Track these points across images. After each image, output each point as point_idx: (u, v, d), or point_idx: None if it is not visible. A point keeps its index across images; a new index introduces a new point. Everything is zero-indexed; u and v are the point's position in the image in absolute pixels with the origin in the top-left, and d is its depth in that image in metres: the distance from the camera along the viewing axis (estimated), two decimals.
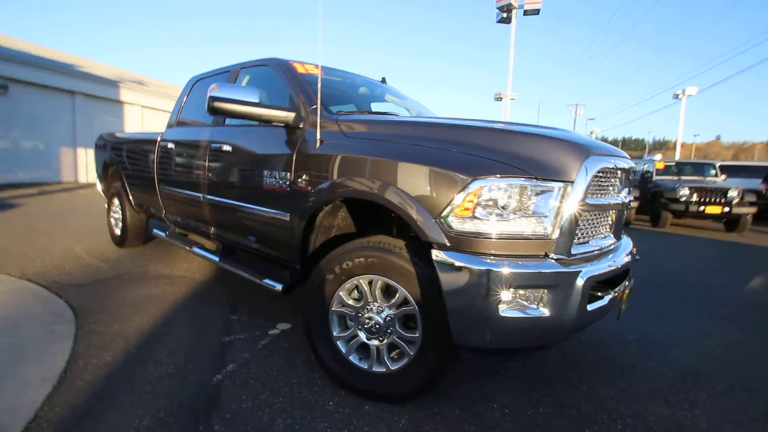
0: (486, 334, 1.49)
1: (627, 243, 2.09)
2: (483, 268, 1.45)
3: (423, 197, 1.56)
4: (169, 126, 3.47)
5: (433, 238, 1.53)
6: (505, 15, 13.64)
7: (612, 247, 1.87)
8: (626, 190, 1.93)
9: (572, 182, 1.51)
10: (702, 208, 8.09)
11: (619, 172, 1.84)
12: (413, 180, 1.60)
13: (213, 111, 2.11)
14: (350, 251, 1.83)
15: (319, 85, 2.04)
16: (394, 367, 1.79)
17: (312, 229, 2.12)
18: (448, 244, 1.51)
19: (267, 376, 2.02)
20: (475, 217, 1.49)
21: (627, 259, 1.87)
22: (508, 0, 13.06)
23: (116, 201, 4.64)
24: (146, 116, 18.09)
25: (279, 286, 2.25)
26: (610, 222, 1.86)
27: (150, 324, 2.57)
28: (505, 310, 1.45)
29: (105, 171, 4.83)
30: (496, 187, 1.47)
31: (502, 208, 1.48)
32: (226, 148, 2.62)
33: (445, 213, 1.52)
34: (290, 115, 2.19)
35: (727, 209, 8.03)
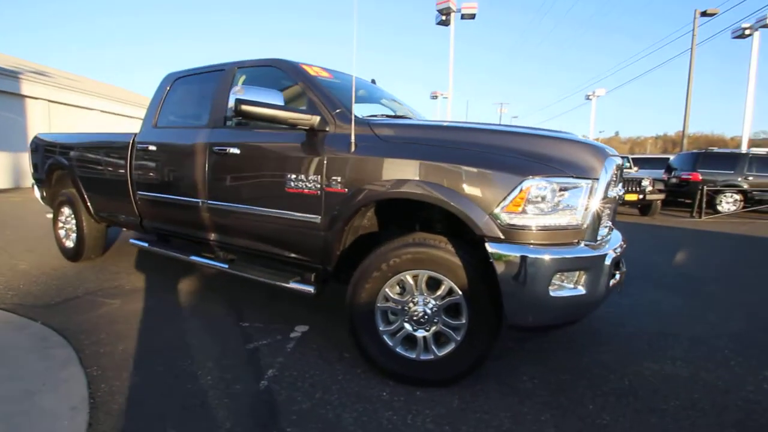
0: (538, 313, 1.71)
1: (616, 231, 2.45)
2: (534, 256, 1.66)
3: (476, 196, 1.73)
4: (147, 127, 3.23)
5: (487, 232, 1.71)
6: (444, 18, 14.30)
7: (610, 233, 2.20)
8: (620, 184, 2.27)
9: (597, 179, 1.78)
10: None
11: (618, 169, 2.17)
12: (466, 181, 1.76)
13: (240, 114, 2.07)
14: (396, 249, 1.93)
15: (353, 91, 2.11)
16: (441, 353, 1.95)
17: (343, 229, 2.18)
18: (501, 237, 1.70)
19: (311, 377, 2.05)
20: (524, 212, 1.69)
21: (623, 243, 2.21)
22: (447, 3, 13.72)
23: (66, 210, 4.17)
24: (54, 113, 15.97)
25: (310, 289, 2.27)
26: (610, 212, 2.19)
27: (159, 339, 2.43)
28: (553, 291, 1.68)
29: (49, 176, 4.30)
30: (542, 186, 1.69)
31: (546, 203, 1.70)
32: (233, 150, 2.55)
33: (497, 209, 1.70)
34: (315, 119, 2.22)
35: (641, 196, 9.33)
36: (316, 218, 2.20)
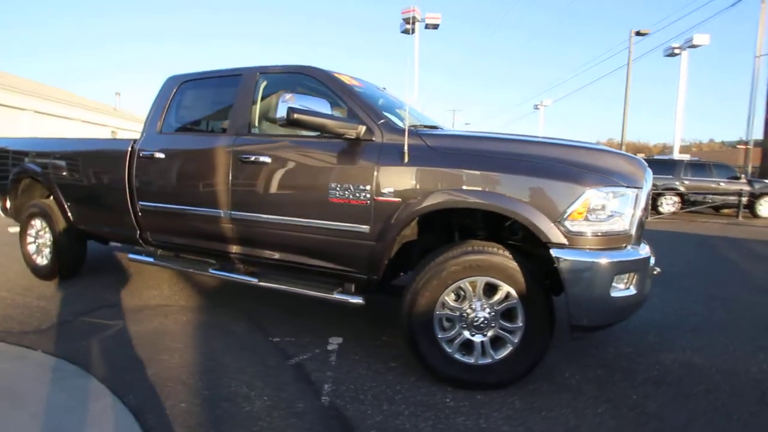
0: (600, 313, 1.84)
1: None
2: (599, 260, 1.78)
3: (542, 205, 1.82)
4: (150, 133, 3.01)
5: (553, 239, 1.81)
6: (408, 26, 14.61)
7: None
8: None
9: (641, 188, 1.94)
10: None
11: None
12: (531, 191, 1.84)
13: (292, 122, 2.02)
14: (456, 257, 1.98)
15: (408, 102, 2.13)
16: (498, 356, 2.01)
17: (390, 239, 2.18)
18: (566, 243, 1.80)
19: (369, 389, 2.03)
20: (585, 219, 1.81)
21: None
22: (412, 13, 14.03)
23: (38, 222, 3.76)
24: None
25: (359, 300, 2.25)
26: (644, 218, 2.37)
27: (188, 361, 2.28)
28: (615, 291, 1.81)
29: (15, 185, 3.85)
30: (600, 195, 1.81)
31: (603, 211, 1.83)
32: (263, 159, 2.46)
33: (563, 218, 1.81)
34: (361, 128, 2.21)
35: None
36: (365, 228, 2.18)
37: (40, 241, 3.78)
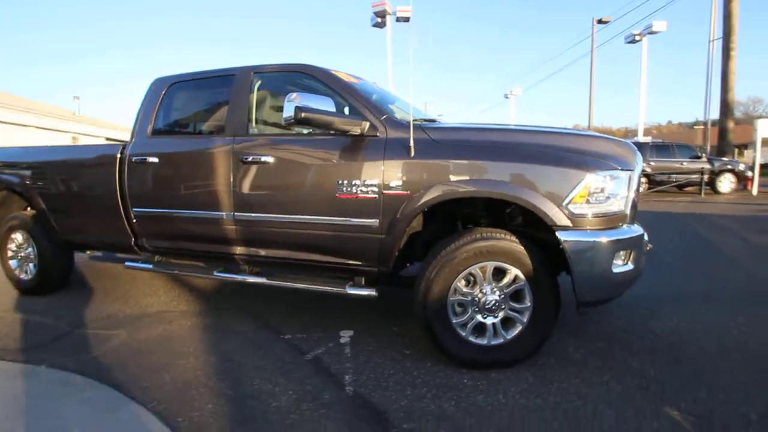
0: (603, 289, 1.97)
1: None
2: (600, 239, 1.91)
3: (546, 191, 1.93)
4: (141, 137, 2.94)
5: (558, 222, 1.92)
6: (379, 20, 14.57)
7: None
8: None
9: (633, 170, 2.08)
10: None
11: None
12: (535, 178, 1.94)
13: (300, 121, 2.04)
14: (466, 244, 2.06)
15: (411, 98, 2.18)
16: (509, 336, 2.12)
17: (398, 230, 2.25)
18: (570, 225, 1.92)
19: (390, 376, 2.10)
20: (587, 202, 1.93)
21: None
22: (383, 6, 13.99)
23: (19, 236, 3.60)
24: None
25: (372, 292, 2.31)
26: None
27: (203, 364, 2.28)
28: (615, 267, 1.95)
29: None
30: (599, 179, 1.94)
31: (602, 193, 1.96)
32: (266, 159, 2.46)
33: (566, 201, 1.92)
34: (364, 125, 2.25)
35: None
36: (374, 222, 2.24)
37: (22, 255, 3.62)
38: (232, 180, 2.56)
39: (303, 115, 2.03)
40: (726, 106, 14.37)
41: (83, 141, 24.15)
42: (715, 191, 12.35)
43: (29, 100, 23.33)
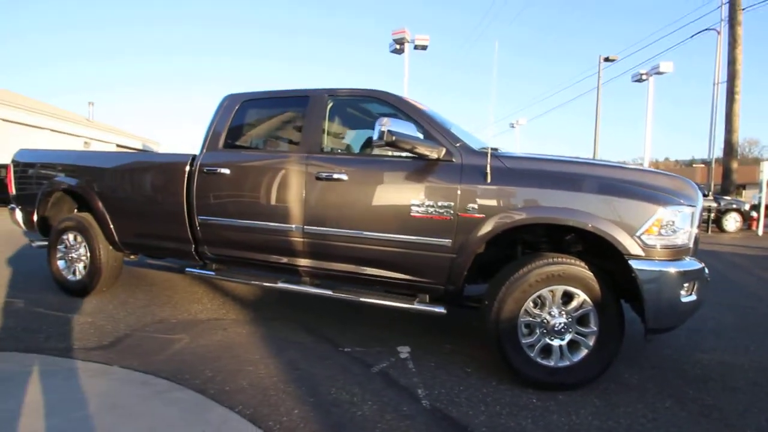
0: (672, 316, 2.08)
1: None
2: (669, 269, 2.03)
3: (621, 222, 2.06)
4: (209, 149, 3.08)
5: (633, 251, 2.04)
6: (398, 47, 15.10)
7: None
8: None
9: (696, 206, 2.22)
10: None
11: None
12: (610, 209, 2.08)
13: (388, 144, 2.19)
14: (538, 268, 2.17)
15: (490, 133, 2.33)
16: (575, 359, 2.21)
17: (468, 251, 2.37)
18: (642, 255, 2.05)
19: (460, 392, 2.17)
20: (658, 234, 2.06)
21: None
22: (402, 34, 14.54)
23: (71, 237, 3.69)
24: None
25: (441, 309, 2.40)
26: None
27: (278, 372, 2.34)
28: (683, 297, 2.06)
29: (45, 198, 3.76)
30: (669, 213, 2.08)
31: (671, 226, 2.09)
32: (340, 176, 2.60)
33: (639, 232, 2.05)
34: (441, 150, 2.40)
35: None
36: (447, 242, 2.36)
37: (72, 255, 3.70)
38: (304, 194, 2.69)
39: (393, 138, 2.18)
40: (730, 147, 14.80)
41: (95, 146, 24.40)
42: (721, 229, 12.57)
43: (42, 102, 23.64)
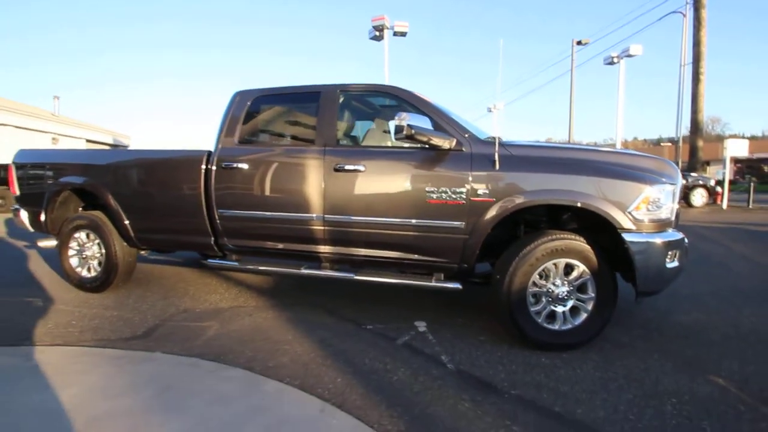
0: (659, 281, 2.40)
1: None
2: (658, 240, 2.35)
3: (615, 200, 2.35)
4: (225, 144, 3.20)
5: (625, 225, 2.34)
6: (377, 33, 15.09)
7: None
8: None
9: (676, 184, 2.54)
10: None
11: None
12: (605, 189, 2.37)
13: (408, 137, 2.40)
14: (543, 243, 2.45)
15: (496, 119, 2.56)
16: (576, 323, 2.52)
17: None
18: (633, 229, 2.35)
19: (479, 357, 2.45)
20: (646, 210, 2.37)
21: None
22: (381, 21, 14.53)
23: (84, 235, 3.76)
24: None
25: (457, 285, 2.66)
26: None
27: (312, 349, 2.55)
28: (668, 263, 2.39)
29: (53, 198, 3.79)
30: (655, 191, 2.38)
31: (656, 203, 2.40)
32: (358, 167, 2.79)
33: (630, 209, 2.35)
34: (453, 141, 2.63)
35: None
36: (461, 224, 2.60)
37: (87, 253, 3.77)
38: (323, 185, 2.87)
39: (412, 132, 2.39)
40: (696, 126, 15.63)
41: (63, 142, 23.38)
42: (689, 204, 13.39)
43: (4, 98, 22.38)
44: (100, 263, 3.75)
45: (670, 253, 2.43)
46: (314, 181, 2.90)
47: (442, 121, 2.74)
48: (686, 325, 3.00)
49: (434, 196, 2.63)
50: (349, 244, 2.93)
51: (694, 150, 15.61)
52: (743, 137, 41.80)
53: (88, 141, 26.11)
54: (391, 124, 3.06)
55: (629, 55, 16.84)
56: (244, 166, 3.08)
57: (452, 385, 2.13)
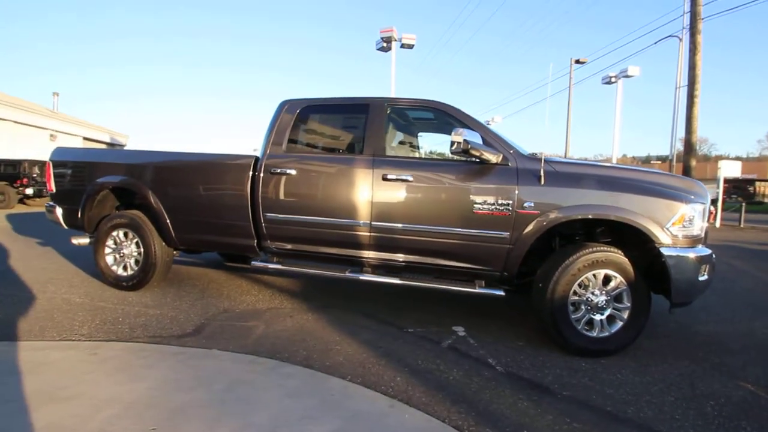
0: (692, 293, 2.58)
1: None
2: (692, 254, 2.53)
3: (654, 217, 2.53)
4: (273, 151, 3.32)
5: (664, 241, 2.52)
6: (385, 44, 15.40)
7: None
8: None
9: (706, 204, 2.74)
10: None
11: None
12: (645, 206, 2.55)
13: (464, 151, 2.56)
14: (584, 255, 2.62)
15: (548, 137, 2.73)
16: (612, 330, 2.68)
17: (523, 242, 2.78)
18: (671, 243, 2.53)
19: (523, 360, 2.59)
20: (681, 227, 2.55)
21: None
22: (390, 33, 14.84)
23: (122, 234, 3.83)
24: None
25: (500, 292, 2.81)
26: None
27: (363, 349, 2.67)
28: (700, 277, 2.57)
29: (92, 197, 3.85)
30: (690, 209, 2.57)
31: (691, 220, 2.59)
32: (406, 177, 2.94)
33: (668, 225, 2.53)
34: (500, 156, 2.80)
35: None
36: (505, 234, 2.76)
37: (125, 252, 3.84)
38: (371, 193, 3.01)
39: (468, 146, 2.55)
40: (690, 146, 16.15)
41: (61, 138, 23.17)
42: None
43: (3, 93, 22.15)
44: (137, 262, 3.82)
45: (702, 267, 2.61)
46: (363, 189, 3.03)
47: (488, 137, 2.91)
48: (706, 335, 3.19)
49: (481, 207, 2.78)
50: (393, 250, 3.06)
51: (687, 170, 16.07)
52: (729, 158, 43.07)
53: (85, 139, 25.98)
54: (431, 138, 3.22)
55: (627, 76, 17.43)
56: (292, 171, 3.20)
57: (507, 385, 2.26)
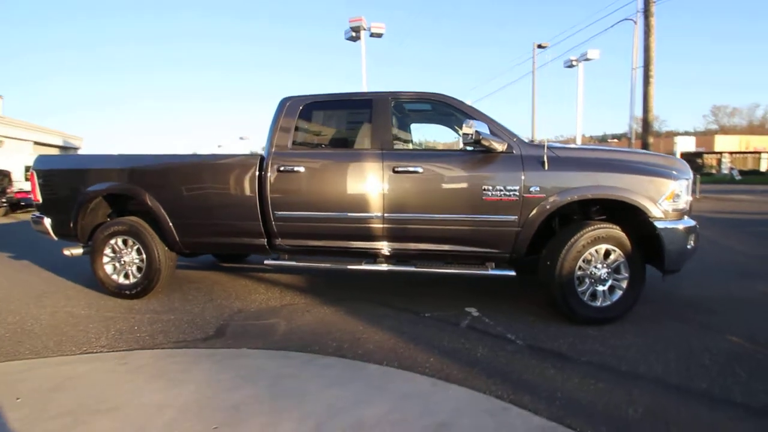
0: (682, 261, 2.87)
1: None
2: (683, 225, 2.81)
3: (648, 194, 2.78)
4: (278, 149, 3.33)
5: (657, 215, 2.78)
6: (354, 34, 15.25)
7: None
8: None
9: (690, 179, 3.02)
10: None
11: None
12: (640, 185, 2.79)
13: (476, 141, 2.70)
14: (588, 232, 2.84)
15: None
16: (614, 299, 2.94)
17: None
18: (663, 217, 2.79)
19: (539, 334, 2.80)
20: (672, 201, 2.82)
21: None
22: (359, 22, 14.70)
23: (120, 241, 3.73)
24: None
25: (512, 273, 3.00)
26: None
27: (391, 336, 2.79)
28: (688, 245, 2.85)
29: (84, 205, 3.71)
30: (678, 185, 2.84)
31: (679, 195, 2.86)
32: (416, 169, 3.05)
33: (660, 201, 2.79)
34: (504, 144, 2.95)
35: None
36: (514, 218, 2.94)
37: (125, 260, 3.74)
38: (383, 186, 3.10)
39: (479, 137, 2.69)
40: (647, 124, 17.17)
41: (9, 144, 21.49)
42: None
43: None
44: (139, 269, 3.74)
45: (689, 236, 2.90)
46: (374, 182, 3.12)
47: (494, 127, 3.05)
48: (690, 299, 3.53)
49: (490, 193, 2.94)
50: (407, 240, 3.18)
51: (646, 146, 17.07)
52: (679, 133, 45.82)
53: (36, 143, 24.23)
54: (424, 128, 3.32)
55: (587, 59, 18.20)
56: (301, 169, 3.23)
57: (531, 356, 2.46)
